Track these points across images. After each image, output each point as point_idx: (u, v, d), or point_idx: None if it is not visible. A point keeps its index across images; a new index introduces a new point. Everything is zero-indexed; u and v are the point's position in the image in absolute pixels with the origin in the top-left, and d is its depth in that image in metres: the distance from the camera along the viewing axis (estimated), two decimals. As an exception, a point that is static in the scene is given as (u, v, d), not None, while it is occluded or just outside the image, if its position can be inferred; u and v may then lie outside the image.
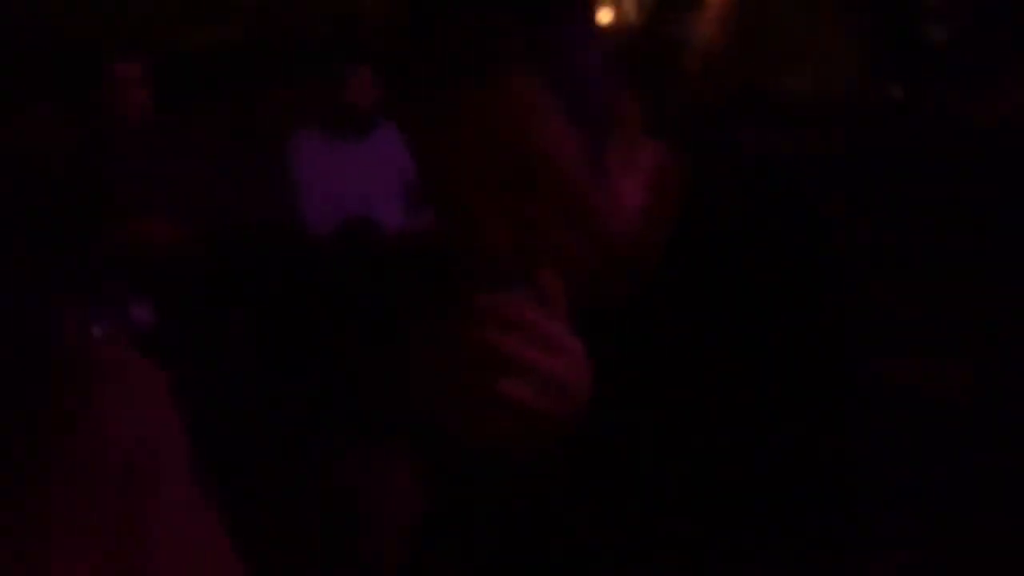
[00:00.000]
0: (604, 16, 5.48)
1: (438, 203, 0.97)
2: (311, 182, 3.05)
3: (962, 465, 1.99)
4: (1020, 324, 2.76)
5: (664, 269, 1.07)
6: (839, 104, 4.44)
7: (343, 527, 1.24)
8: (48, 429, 0.43)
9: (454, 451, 0.97)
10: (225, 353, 1.93)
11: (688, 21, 5.25)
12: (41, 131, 2.62)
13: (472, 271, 0.96)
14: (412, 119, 0.96)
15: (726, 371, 1.04)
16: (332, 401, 1.32)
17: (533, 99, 0.92)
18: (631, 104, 1.02)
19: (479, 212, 0.94)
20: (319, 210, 2.98)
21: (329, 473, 1.31)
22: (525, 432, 0.90)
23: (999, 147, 3.57)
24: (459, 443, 0.93)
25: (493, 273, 0.93)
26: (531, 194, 0.94)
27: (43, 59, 3.03)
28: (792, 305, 1.05)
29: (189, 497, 0.46)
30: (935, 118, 3.70)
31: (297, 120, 3.27)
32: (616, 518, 1.04)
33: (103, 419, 0.43)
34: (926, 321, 2.79)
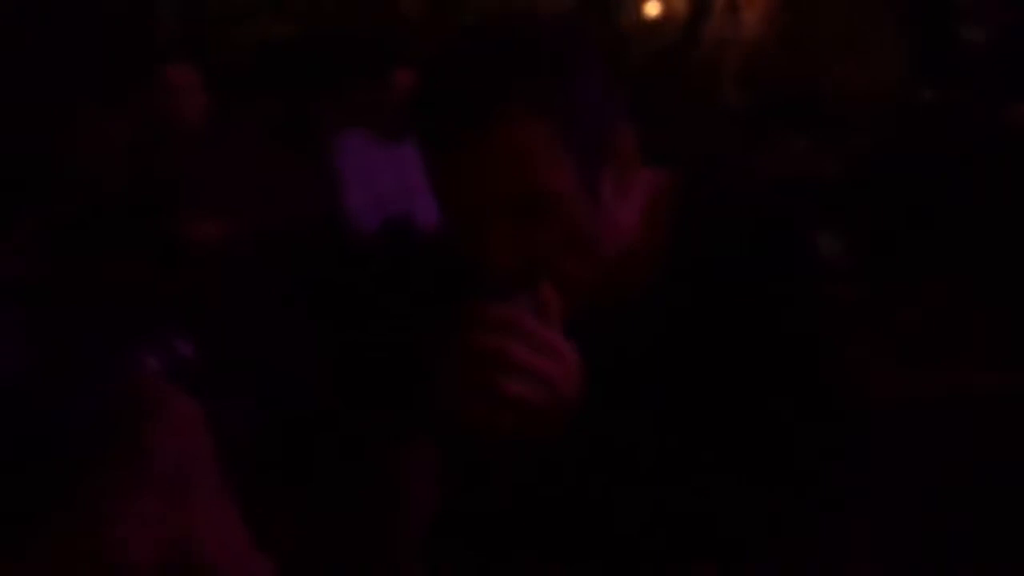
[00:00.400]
0: (652, 9, 5.44)
1: (453, 227, 1.13)
2: (356, 180, 3.17)
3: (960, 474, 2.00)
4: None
5: (655, 284, 1.20)
6: (883, 106, 4.43)
7: (376, 511, 1.35)
8: (109, 453, 0.56)
9: (467, 440, 1.12)
10: (274, 349, 2.05)
11: (735, 19, 5.20)
12: (94, 136, 2.74)
13: (481, 285, 1.11)
14: (432, 156, 1.12)
15: (707, 373, 1.18)
16: (372, 394, 1.45)
17: (536, 140, 1.07)
18: (625, 136, 1.16)
19: (488, 236, 1.09)
20: (364, 208, 3.11)
21: (371, 460, 1.42)
22: (524, 423, 1.06)
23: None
24: (469, 433, 1.08)
25: (499, 288, 1.09)
26: (533, 221, 1.09)
27: (94, 58, 3.12)
28: (766, 318, 1.18)
29: (219, 508, 0.59)
30: (967, 120, 3.73)
31: (344, 119, 3.37)
32: (604, 501, 1.18)
33: (150, 451, 0.56)
34: (948, 326, 2.79)
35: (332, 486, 1.42)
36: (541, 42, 1.11)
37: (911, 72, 4.35)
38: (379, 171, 3.19)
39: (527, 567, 1.19)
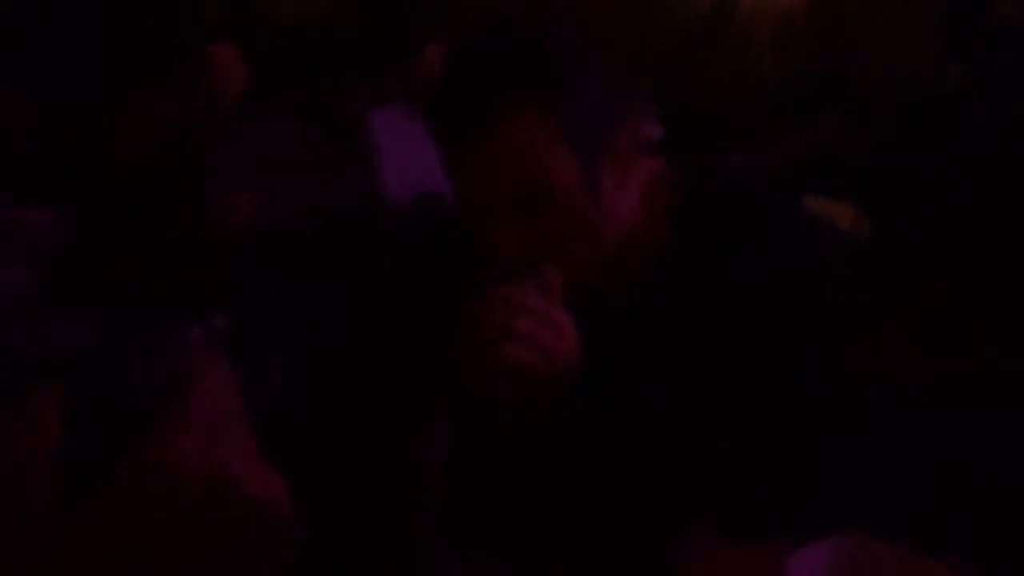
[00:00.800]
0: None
1: (466, 214, 1.26)
2: (392, 157, 3.27)
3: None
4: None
5: (655, 271, 1.32)
6: (913, 88, 4.41)
7: (396, 488, 1.45)
8: (164, 405, 0.68)
9: (476, 403, 1.25)
10: (307, 321, 2.15)
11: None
12: (139, 113, 2.83)
13: (491, 266, 1.24)
14: (444, 152, 1.24)
15: (702, 358, 1.29)
16: (395, 371, 1.54)
17: (539, 136, 1.20)
18: (624, 132, 1.28)
19: (496, 225, 1.22)
20: (400, 184, 3.21)
21: (392, 437, 1.51)
22: (526, 386, 1.19)
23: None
24: (478, 395, 1.21)
25: (507, 269, 1.21)
26: (537, 212, 1.22)
27: (141, 36, 3.21)
28: (761, 308, 1.28)
29: (249, 450, 0.71)
30: (996, 103, 3.73)
31: (378, 96, 3.45)
32: (604, 482, 1.29)
33: (195, 402, 0.68)
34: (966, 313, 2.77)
35: (353, 462, 1.50)
36: (545, 46, 1.24)
37: (941, 53, 4.34)
38: (415, 147, 3.27)
39: (528, 561, 1.29)
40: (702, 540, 1.15)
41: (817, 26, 4.80)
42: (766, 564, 1.09)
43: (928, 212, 3.39)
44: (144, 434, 0.60)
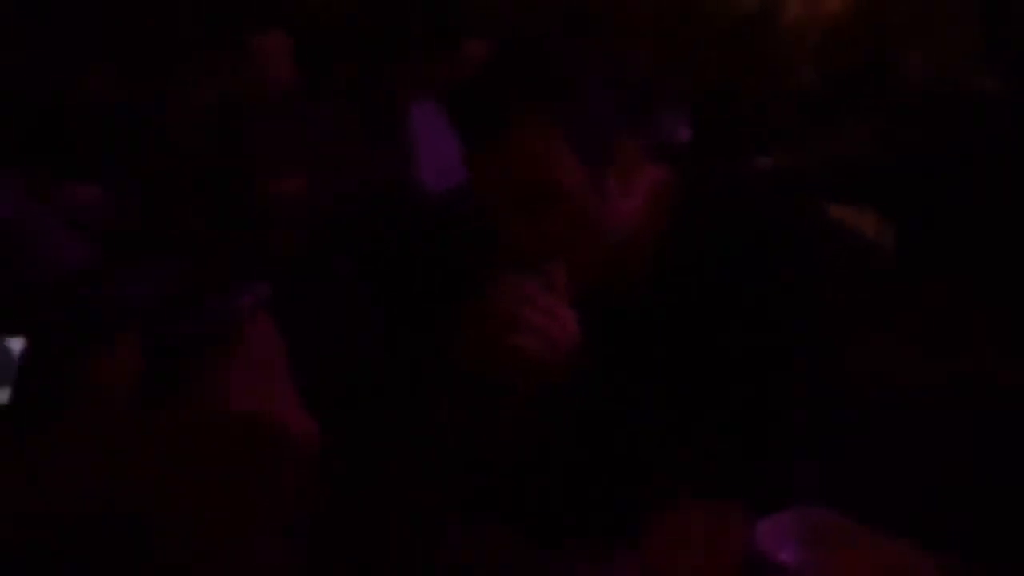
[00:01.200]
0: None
1: (479, 210, 1.42)
2: (427, 149, 3.42)
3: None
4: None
5: (655, 269, 1.46)
6: (953, 90, 4.44)
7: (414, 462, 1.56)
8: (219, 351, 0.85)
9: (479, 387, 1.40)
10: (341, 303, 2.30)
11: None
12: (187, 96, 3.00)
13: (500, 260, 1.40)
14: (466, 151, 1.41)
15: (698, 350, 1.42)
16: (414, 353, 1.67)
17: (548, 143, 1.35)
18: (628, 139, 1.43)
19: (507, 221, 1.38)
20: (433, 176, 3.37)
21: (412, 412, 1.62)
22: (529, 374, 1.34)
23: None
24: (482, 381, 1.37)
25: (514, 263, 1.37)
26: (546, 210, 1.37)
27: (191, 24, 3.37)
28: (752, 306, 1.40)
29: (289, 392, 0.88)
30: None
31: (416, 88, 3.59)
32: (605, 444, 1.43)
33: (245, 350, 0.85)
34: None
35: (374, 435, 1.55)
36: (556, 65, 1.40)
37: (978, 60, 4.40)
38: (448, 141, 3.40)
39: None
40: (672, 502, 1.29)
41: (859, 33, 4.87)
42: (730, 525, 1.23)
43: (953, 215, 3.45)
44: (200, 373, 0.77)
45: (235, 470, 0.77)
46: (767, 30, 5.02)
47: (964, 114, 4.02)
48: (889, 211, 3.64)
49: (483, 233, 1.44)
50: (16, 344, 0.93)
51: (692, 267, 1.44)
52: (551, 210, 1.39)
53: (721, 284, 1.42)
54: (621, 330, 1.47)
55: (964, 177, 3.62)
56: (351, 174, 3.08)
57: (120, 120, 2.99)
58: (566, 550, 1.30)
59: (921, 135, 3.87)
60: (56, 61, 3.09)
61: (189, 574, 0.80)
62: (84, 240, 2.59)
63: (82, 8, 3.13)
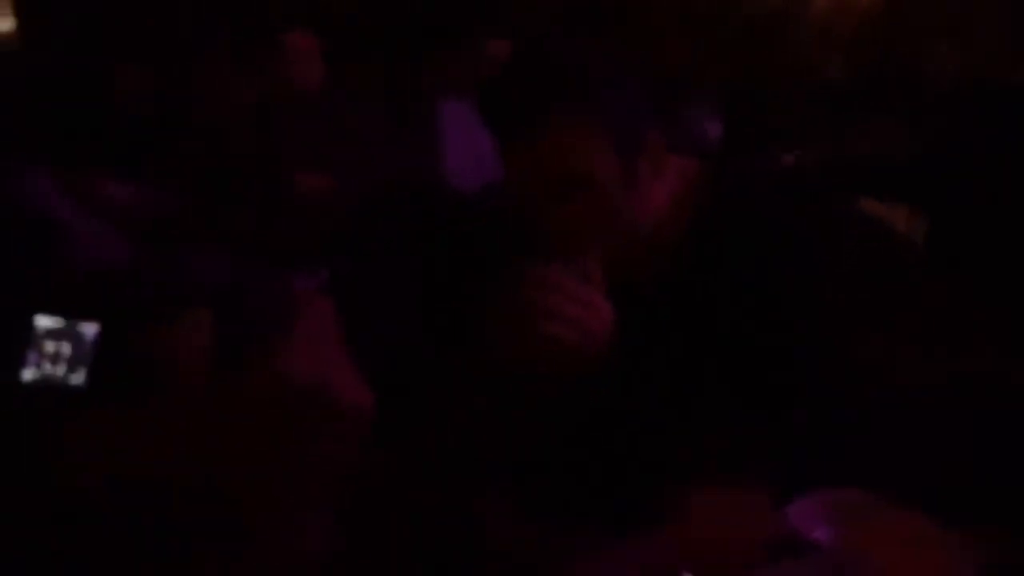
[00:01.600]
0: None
1: (513, 201, 1.49)
2: (456, 145, 3.48)
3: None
4: None
5: (682, 255, 1.53)
6: (984, 85, 4.45)
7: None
8: (282, 327, 0.94)
9: (517, 376, 1.46)
10: (374, 292, 2.37)
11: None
12: (222, 94, 3.07)
13: (534, 249, 1.47)
14: (499, 146, 1.48)
15: (721, 330, 1.49)
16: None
17: (581, 135, 1.42)
18: (657, 132, 1.50)
19: (541, 212, 1.45)
20: (462, 171, 3.43)
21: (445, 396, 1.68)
22: (564, 362, 1.41)
23: None
24: (519, 370, 1.43)
25: (548, 252, 1.44)
26: (579, 199, 1.44)
27: (226, 21, 3.43)
28: (769, 300, 1.46)
29: (345, 365, 0.96)
30: None
31: (446, 84, 3.65)
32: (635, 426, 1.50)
33: (305, 325, 0.94)
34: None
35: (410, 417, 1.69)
36: (584, 65, 1.47)
37: (1013, 53, 4.42)
38: (478, 137, 3.46)
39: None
40: (698, 484, 1.35)
41: (888, 27, 4.89)
42: (758, 506, 1.28)
43: (981, 212, 3.47)
44: (266, 348, 0.85)
45: (299, 436, 0.85)
46: (794, 25, 5.05)
47: (995, 109, 4.03)
48: (919, 207, 3.68)
49: (518, 224, 1.51)
50: (89, 329, 1.02)
51: (715, 260, 1.50)
52: (584, 199, 1.45)
53: (743, 278, 1.48)
54: (648, 321, 1.53)
55: (992, 173, 3.63)
56: (379, 171, 3.14)
57: (155, 118, 3.05)
58: (592, 534, 1.36)
59: (950, 131, 3.89)
60: (91, 59, 3.15)
61: (259, 534, 0.89)
62: (121, 238, 2.67)
63: (116, 7, 3.20)
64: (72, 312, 1.06)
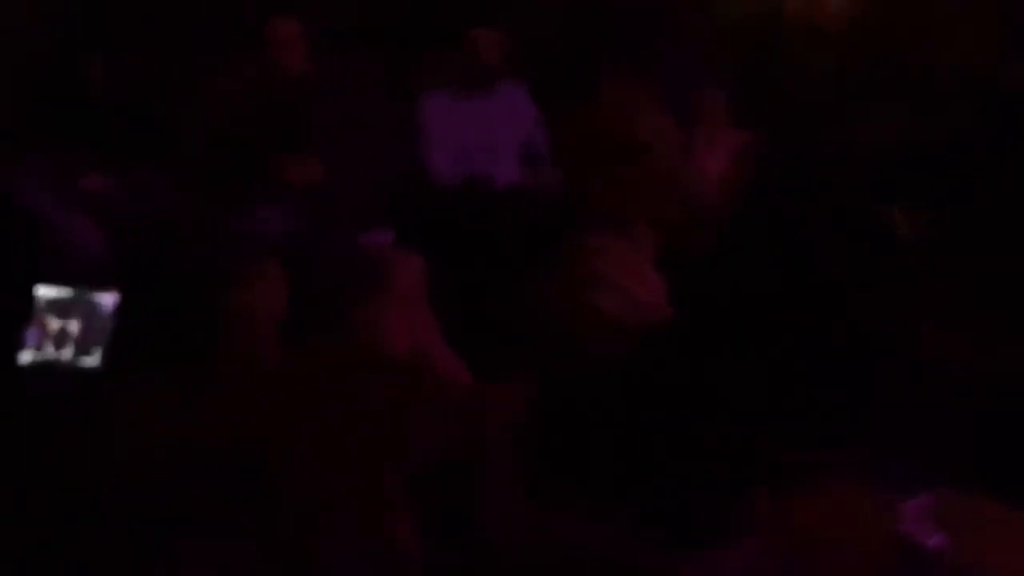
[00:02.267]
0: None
1: (566, 171, 1.42)
2: (440, 137, 3.44)
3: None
4: None
5: (736, 226, 1.47)
6: (984, 83, 4.43)
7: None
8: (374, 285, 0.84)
9: (565, 354, 1.39)
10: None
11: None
12: (217, 84, 3.05)
13: (586, 220, 1.39)
14: (548, 112, 1.41)
15: (770, 304, 1.43)
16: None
17: (638, 101, 1.36)
18: (714, 100, 1.44)
19: (594, 179, 1.38)
20: (446, 162, 3.39)
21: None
22: (615, 334, 1.33)
23: None
24: (569, 345, 1.36)
25: (601, 222, 1.37)
26: (633, 168, 1.37)
27: (220, 13, 3.42)
28: (809, 275, 1.41)
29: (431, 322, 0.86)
30: None
31: (435, 76, 3.60)
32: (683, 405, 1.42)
33: (397, 282, 0.85)
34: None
35: None
36: (638, 24, 1.40)
37: (1004, 51, 4.39)
38: (462, 129, 3.42)
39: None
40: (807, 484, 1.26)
41: (886, 21, 4.86)
42: (871, 507, 1.20)
43: (982, 207, 3.45)
44: (351, 308, 0.76)
45: (393, 409, 0.76)
46: (788, 26, 5.04)
47: (991, 107, 4.03)
48: (920, 203, 3.65)
49: (568, 195, 1.44)
50: (107, 299, 0.91)
51: (762, 237, 1.43)
52: (636, 166, 1.38)
53: (795, 248, 1.42)
54: (699, 293, 1.45)
55: (991, 169, 3.62)
56: (366, 161, 3.12)
57: (149, 107, 3.04)
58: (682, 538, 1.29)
59: (948, 128, 3.86)
60: (88, 52, 3.16)
61: (310, 519, 0.79)
62: (101, 227, 2.61)
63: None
64: (90, 281, 0.95)
